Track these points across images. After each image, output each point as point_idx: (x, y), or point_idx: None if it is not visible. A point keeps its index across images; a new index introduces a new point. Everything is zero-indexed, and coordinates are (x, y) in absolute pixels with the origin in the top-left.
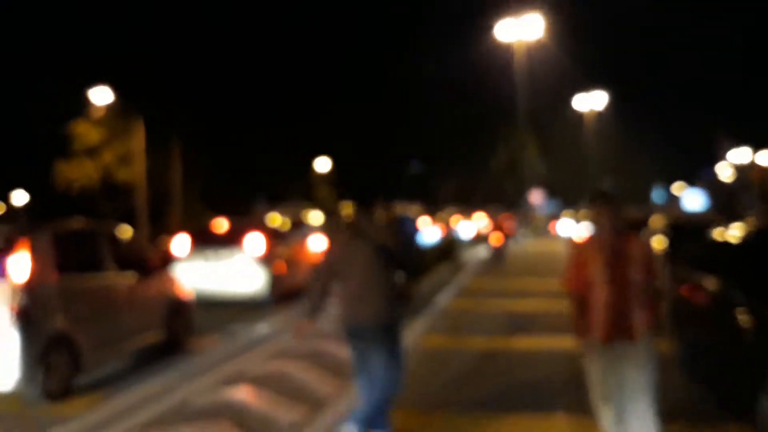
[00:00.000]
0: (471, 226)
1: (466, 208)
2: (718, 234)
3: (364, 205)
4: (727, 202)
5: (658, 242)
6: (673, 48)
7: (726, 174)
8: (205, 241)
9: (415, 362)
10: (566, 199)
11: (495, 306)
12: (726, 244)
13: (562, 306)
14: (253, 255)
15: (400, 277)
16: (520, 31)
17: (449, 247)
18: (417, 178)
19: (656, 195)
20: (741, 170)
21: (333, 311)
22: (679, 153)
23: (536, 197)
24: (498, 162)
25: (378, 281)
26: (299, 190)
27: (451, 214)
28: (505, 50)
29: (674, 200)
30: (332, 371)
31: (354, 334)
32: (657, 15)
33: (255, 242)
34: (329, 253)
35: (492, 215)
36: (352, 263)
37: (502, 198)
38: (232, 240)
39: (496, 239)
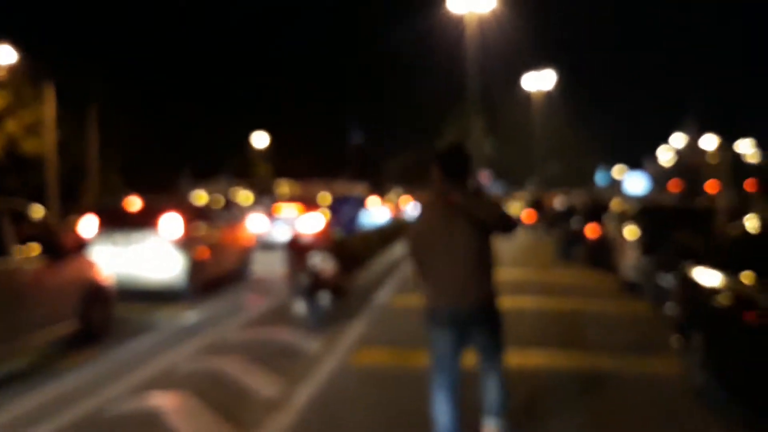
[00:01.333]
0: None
1: (413, 188)
2: (734, 224)
3: (456, 176)
4: (692, 185)
5: (631, 231)
6: (625, 31)
7: (666, 158)
8: (115, 222)
9: (345, 387)
10: (512, 180)
11: None
12: (750, 236)
13: (531, 303)
14: (169, 238)
15: (330, 266)
16: (473, 2)
17: (401, 228)
18: (359, 151)
19: (599, 178)
20: (681, 154)
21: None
22: (623, 136)
23: (483, 178)
24: (445, 140)
25: (471, 257)
26: (233, 167)
27: (399, 195)
28: (457, 23)
29: (616, 183)
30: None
31: (450, 319)
32: None
33: (172, 223)
34: (415, 230)
35: None
36: (446, 239)
37: None
38: (146, 221)
39: None
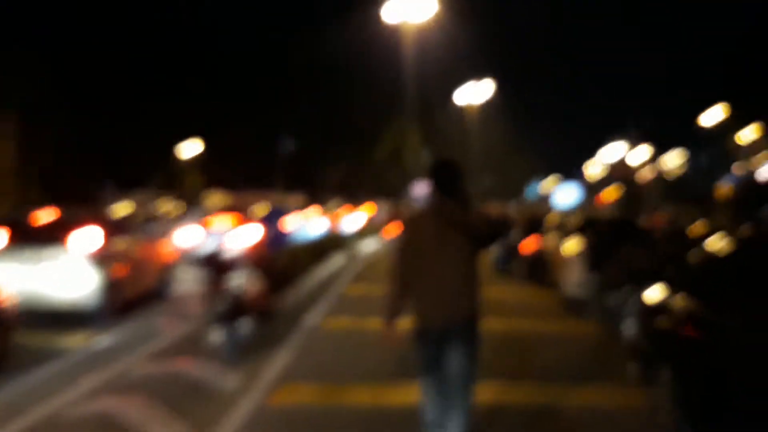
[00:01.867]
0: (359, 218)
1: (351, 198)
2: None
3: (449, 190)
4: (630, 199)
5: (573, 246)
6: (562, 45)
7: (596, 171)
8: (22, 235)
9: None
10: None
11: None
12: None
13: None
14: (82, 253)
15: (256, 286)
16: (409, 11)
17: (339, 240)
18: (292, 160)
19: (530, 191)
20: (612, 168)
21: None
22: (556, 147)
23: (420, 189)
24: (382, 151)
25: (462, 271)
26: (162, 177)
27: (338, 206)
28: (394, 32)
29: (547, 195)
30: None
31: (434, 335)
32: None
33: (86, 238)
34: (404, 242)
35: (381, 207)
36: (430, 250)
37: (385, 189)
38: (57, 235)
39: (393, 230)
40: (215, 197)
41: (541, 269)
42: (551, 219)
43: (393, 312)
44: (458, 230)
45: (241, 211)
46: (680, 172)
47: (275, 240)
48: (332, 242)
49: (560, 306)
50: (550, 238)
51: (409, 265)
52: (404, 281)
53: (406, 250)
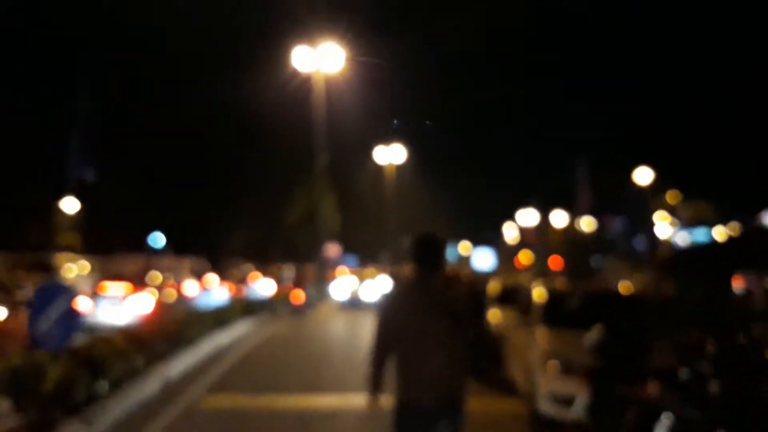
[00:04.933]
0: (269, 283)
1: (262, 262)
2: None
3: (430, 266)
4: (579, 261)
5: (544, 336)
6: (474, 108)
7: (511, 234)
8: None
9: None
10: (365, 254)
11: None
12: None
13: None
14: None
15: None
16: (318, 62)
17: (236, 310)
18: (84, 189)
19: (450, 254)
20: (525, 232)
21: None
22: (470, 211)
23: (333, 251)
24: (294, 212)
25: (447, 349)
26: (34, 237)
27: (248, 271)
28: (305, 95)
29: (463, 260)
30: None
31: (416, 415)
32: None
33: None
34: (388, 317)
35: (293, 270)
36: (416, 328)
37: (296, 252)
38: None
39: (296, 297)
40: (73, 261)
41: (492, 363)
42: (493, 289)
43: (376, 385)
44: (442, 309)
45: (136, 277)
46: (595, 235)
47: (54, 334)
48: (233, 310)
49: (530, 429)
50: (498, 317)
51: (391, 340)
52: (384, 355)
53: (388, 324)
